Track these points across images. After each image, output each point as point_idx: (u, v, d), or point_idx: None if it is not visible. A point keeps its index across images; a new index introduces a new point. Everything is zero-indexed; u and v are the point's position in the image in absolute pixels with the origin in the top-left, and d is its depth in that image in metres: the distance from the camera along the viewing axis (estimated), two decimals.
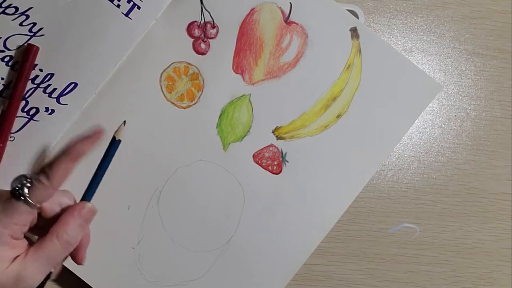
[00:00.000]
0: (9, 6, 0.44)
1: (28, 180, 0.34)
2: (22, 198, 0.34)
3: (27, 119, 0.44)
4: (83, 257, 0.39)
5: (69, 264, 0.41)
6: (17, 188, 0.34)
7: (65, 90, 0.45)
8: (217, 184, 0.45)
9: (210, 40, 0.46)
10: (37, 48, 0.44)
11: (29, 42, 0.44)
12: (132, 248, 0.45)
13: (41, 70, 0.44)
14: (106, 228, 0.44)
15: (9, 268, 0.34)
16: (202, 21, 0.46)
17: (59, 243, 0.35)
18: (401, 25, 0.49)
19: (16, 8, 0.44)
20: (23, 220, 0.35)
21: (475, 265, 0.49)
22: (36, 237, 0.38)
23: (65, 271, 0.39)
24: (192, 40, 0.46)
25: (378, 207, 0.48)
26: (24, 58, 0.43)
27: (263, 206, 0.46)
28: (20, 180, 0.35)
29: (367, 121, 0.46)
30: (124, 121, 0.43)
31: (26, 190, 0.34)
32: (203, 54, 0.46)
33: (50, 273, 0.36)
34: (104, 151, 0.39)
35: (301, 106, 0.46)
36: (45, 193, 0.35)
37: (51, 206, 0.37)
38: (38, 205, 0.35)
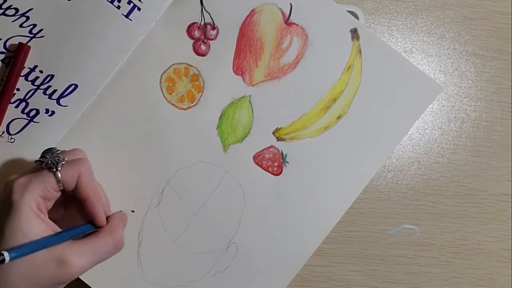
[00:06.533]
0: (9, 8, 0.44)
1: (64, 158, 0.37)
2: (54, 170, 0.36)
3: (27, 121, 0.44)
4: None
5: None
6: (52, 162, 0.37)
7: (65, 92, 0.45)
8: (217, 185, 0.45)
9: (210, 42, 0.46)
10: (28, 47, 0.44)
11: (28, 43, 0.44)
12: (133, 249, 0.45)
13: (41, 71, 0.44)
14: None
15: (52, 251, 0.35)
16: (202, 22, 0.46)
17: (112, 240, 0.38)
18: (401, 26, 0.49)
19: (16, 10, 0.44)
20: (50, 194, 0.36)
21: (475, 266, 0.49)
22: None
23: None
24: (193, 41, 0.46)
25: (378, 208, 0.48)
26: (15, 56, 0.44)
27: (263, 207, 0.46)
28: (56, 154, 0.38)
29: (367, 122, 0.46)
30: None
31: (60, 166, 0.37)
32: (203, 55, 0.46)
33: None
34: None
35: (301, 107, 0.46)
36: (72, 174, 0.37)
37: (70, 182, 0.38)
38: (62, 184, 0.37)
